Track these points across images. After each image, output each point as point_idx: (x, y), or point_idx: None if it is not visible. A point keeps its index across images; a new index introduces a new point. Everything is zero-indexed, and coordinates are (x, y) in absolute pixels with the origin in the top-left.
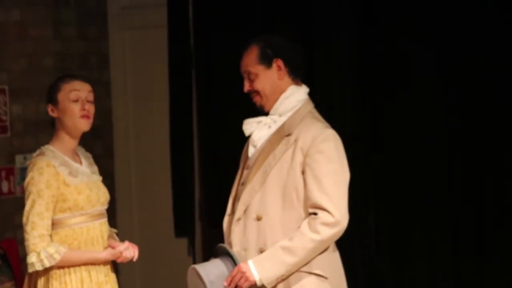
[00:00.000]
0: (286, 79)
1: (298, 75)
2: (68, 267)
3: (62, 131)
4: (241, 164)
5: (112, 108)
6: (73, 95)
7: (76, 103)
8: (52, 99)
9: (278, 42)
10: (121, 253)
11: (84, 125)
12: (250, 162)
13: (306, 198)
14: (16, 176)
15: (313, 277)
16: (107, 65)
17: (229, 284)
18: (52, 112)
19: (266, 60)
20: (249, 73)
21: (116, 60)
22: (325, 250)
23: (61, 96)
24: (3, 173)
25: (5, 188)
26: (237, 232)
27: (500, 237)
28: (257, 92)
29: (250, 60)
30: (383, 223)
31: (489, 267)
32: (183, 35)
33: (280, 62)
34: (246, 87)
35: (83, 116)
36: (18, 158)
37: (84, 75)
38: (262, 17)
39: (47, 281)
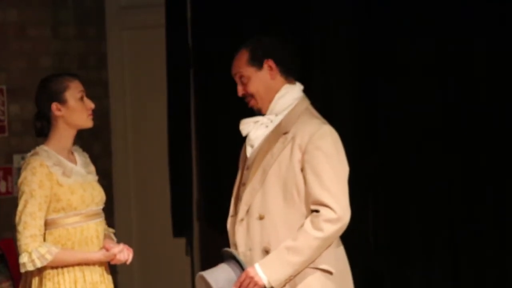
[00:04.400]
0: (279, 78)
1: (291, 74)
2: (62, 267)
3: (63, 130)
4: (241, 165)
5: (110, 108)
6: (80, 94)
7: (82, 102)
8: (58, 98)
9: (267, 43)
10: (114, 255)
11: (91, 123)
12: (249, 162)
13: (307, 195)
14: (14, 176)
15: (318, 273)
16: (105, 65)
17: None
18: (58, 111)
19: (257, 62)
20: (241, 76)
21: (114, 60)
22: (329, 245)
23: (69, 95)
24: (1, 173)
25: (3, 188)
26: (241, 232)
27: (500, 237)
28: (252, 96)
29: (241, 63)
30: (382, 223)
31: (488, 267)
32: (181, 35)
33: (271, 62)
34: (240, 91)
35: (90, 115)
36: (16, 158)
37: (83, 75)
38: (260, 17)
39: (40, 281)
